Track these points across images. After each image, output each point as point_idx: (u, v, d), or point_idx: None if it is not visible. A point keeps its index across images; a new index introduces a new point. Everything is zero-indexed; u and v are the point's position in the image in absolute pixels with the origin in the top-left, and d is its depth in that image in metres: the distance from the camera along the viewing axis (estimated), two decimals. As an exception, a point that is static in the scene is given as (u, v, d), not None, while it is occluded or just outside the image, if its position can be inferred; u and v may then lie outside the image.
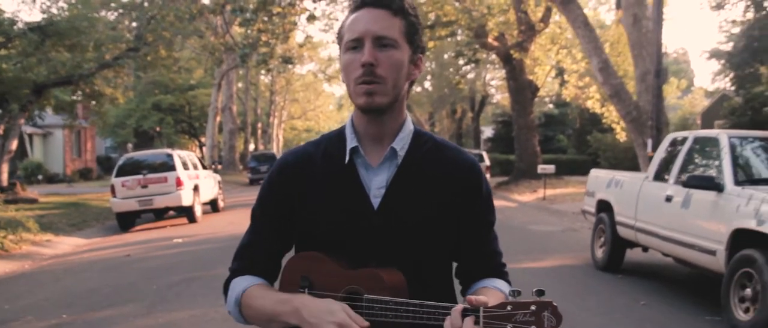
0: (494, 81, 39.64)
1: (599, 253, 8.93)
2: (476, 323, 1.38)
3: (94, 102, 22.96)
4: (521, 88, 26.93)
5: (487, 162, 26.23)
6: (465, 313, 1.39)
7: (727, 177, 6.31)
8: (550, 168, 20.48)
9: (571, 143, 36.26)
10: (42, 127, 32.29)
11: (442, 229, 1.63)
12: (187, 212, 15.52)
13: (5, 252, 11.00)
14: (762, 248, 5.52)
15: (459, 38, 29.34)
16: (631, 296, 7.25)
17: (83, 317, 6.63)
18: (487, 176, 25.29)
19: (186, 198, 15.10)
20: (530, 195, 22.14)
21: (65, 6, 21.44)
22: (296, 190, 1.64)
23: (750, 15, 21.94)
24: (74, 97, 23.02)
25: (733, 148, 6.61)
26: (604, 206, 9.00)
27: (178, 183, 15.00)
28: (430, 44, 27.71)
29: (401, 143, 1.62)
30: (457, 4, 24.72)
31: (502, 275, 1.74)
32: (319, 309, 1.47)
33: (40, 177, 31.12)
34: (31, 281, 9.02)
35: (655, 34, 13.59)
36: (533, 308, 1.35)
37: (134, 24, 24.08)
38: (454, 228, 1.65)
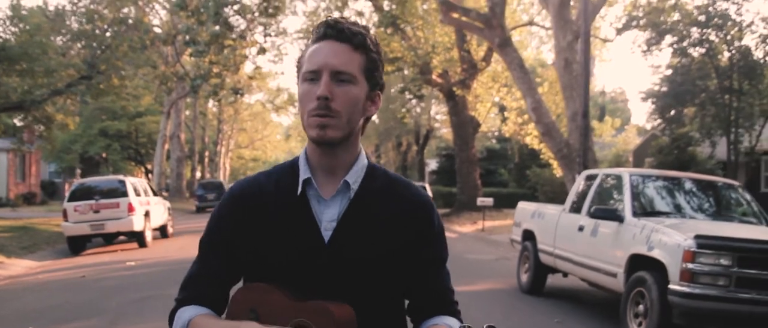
0: (439, 115, 40.82)
1: (524, 277, 9.86)
2: None
3: (43, 127, 23.23)
4: (463, 123, 28.11)
5: (430, 194, 27.18)
6: None
7: (627, 210, 7.31)
8: (489, 201, 21.49)
9: (512, 177, 37.55)
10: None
11: (393, 265, 1.62)
12: (138, 237, 15.99)
13: (-39, 272, 11.38)
14: (651, 270, 6.47)
15: (406, 73, 30.43)
16: (549, 315, 8.16)
17: (50, 328, 7.23)
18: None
19: (137, 223, 15.59)
20: (470, 226, 23.15)
21: (16, 31, 21.77)
22: (247, 220, 1.63)
23: (676, 59, 23.50)
24: (23, 123, 23.23)
25: (633, 184, 7.64)
26: (528, 235, 9.95)
27: (130, 209, 15.48)
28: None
29: (354, 177, 1.62)
30: (403, 42, 25.79)
31: (454, 313, 1.74)
32: None
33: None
34: (-8, 299, 9.50)
35: (582, 78, 14.73)
36: None
37: (83, 50, 24.46)
38: (405, 264, 1.65)
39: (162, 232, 18.66)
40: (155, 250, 15.55)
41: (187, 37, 21.57)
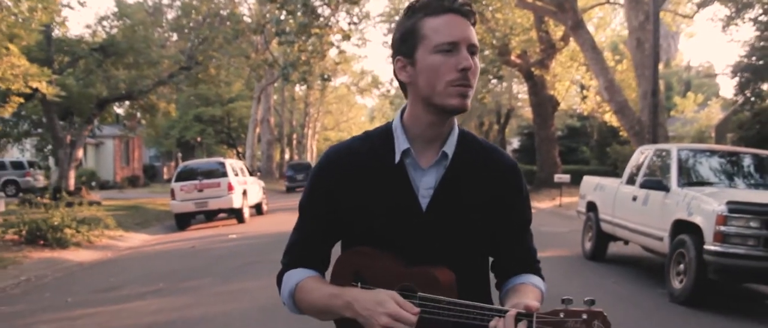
0: (520, 94, 41.29)
1: (588, 245, 10.73)
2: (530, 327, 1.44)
3: (148, 115, 25.22)
4: (542, 102, 28.69)
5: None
6: (518, 317, 1.45)
7: (673, 180, 8.12)
8: (566, 177, 22.16)
9: (593, 154, 37.74)
10: (95, 138, 34.72)
11: (486, 229, 1.68)
12: (236, 214, 17.57)
13: (90, 244, 13.07)
14: (691, 233, 7.31)
15: (486, 54, 31.15)
16: (607, 278, 9.04)
17: (176, 285, 8.64)
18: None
19: (236, 201, 17.14)
20: (549, 202, 23.87)
21: (121, 25, 23.63)
22: (343, 185, 1.67)
23: (755, 34, 23.44)
24: (131, 111, 25.26)
25: (680, 158, 8.43)
26: (591, 207, 10.80)
27: (230, 188, 17.05)
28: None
29: (451, 147, 1.67)
30: (481, 24, 26.53)
31: (537, 271, 1.81)
32: (370, 301, 1.51)
33: (93, 184, 33.48)
34: (122, 264, 11.12)
35: (651, 58, 15.29)
36: (585, 316, 1.41)
37: (180, 41, 26.27)
38: (496, 227, 1.71)
39: (257, 209, 20.23)
40: (252, 225, 17.07)
41: (278, 27, 22.94)
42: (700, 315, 6.91)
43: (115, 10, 24.44)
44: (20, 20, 10.75)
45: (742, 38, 50.75)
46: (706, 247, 6.93)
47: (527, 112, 38.58)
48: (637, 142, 16.99)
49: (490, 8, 26.33)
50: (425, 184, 1.65)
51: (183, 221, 17.24)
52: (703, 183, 8.21)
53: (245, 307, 7.18)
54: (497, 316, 1.48)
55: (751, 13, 23.42)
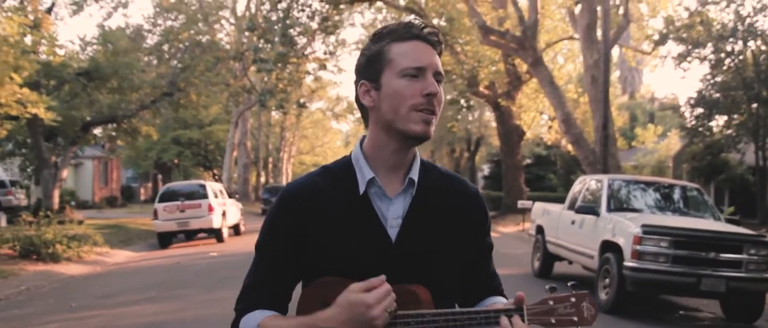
0: (490, 123, 42.80)
1: (536, 264, 11.96)
2: (523, 320, 1.50)
3: (130, 138, 26.18)
4: (509, 132, 30.10)
5: (478, 198, 29.32)
6: (508, 313, 1.50)
7: (603, 206, 9.39)
8: (529, 204, 23.28)
9: (560, 182, 39.21)
10: (74, 158, 35.48)
11: (455, 256, 1.67)
12: (216, 233, 18.59)
13: (79, 258, 14.03)
14: (614, 251, 8.55)
15: (456, 82, 32.36)
16: (544, 289, 10.23)
17: (166, 293, 9.71)
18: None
19: (216, 221, 18.18)
20: (513, 227, 25.20)
21: (103, 51, 24.54)
22: (306, 221, 1.61)
23: (706, 71, 25.05)
24: (114, 134, 26.22)
25: (610, 186, 9.71)
26: (539, 230, 12.05)
27: (210, 209, 18.09)
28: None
29: (416, 173, 1.64)
30: (451, 56, 27.88)
31: (502, 294, 1.80)
32: (344, 309, 1.46)
33: (72, 203, 34.20)
34: (113, 277, 12.14)
35: (602, 94, 16.68)
36: (573, 299, 1.51)
37: (160, 67, 27.27)
38: (463, 254, 1.69)
39: (235, 230, 21.25)
40: (231, 244, 18.10)
41: (257, 56, 24.05)
42: (621, 322, 8.13)
43: (97, 34, 25.44)
44: (24, 52, 11.79)
45: (695, 75, 52.85)
46: (625, 263, 8.18)
47: (496, 140, 40.06)
48: (591, 171, 18.32)
49: (460, 40, 27.74)
50: (393, 213, 1.61)
51: (165, 239, 18.20)
52: (629, 209, 9.48)
53: (230, 312, 8.25)
54: (486, 316, 1.50)
55: (704, 52, 25.07)
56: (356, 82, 1.65)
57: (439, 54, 1.63)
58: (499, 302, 1.73)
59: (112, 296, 9.70)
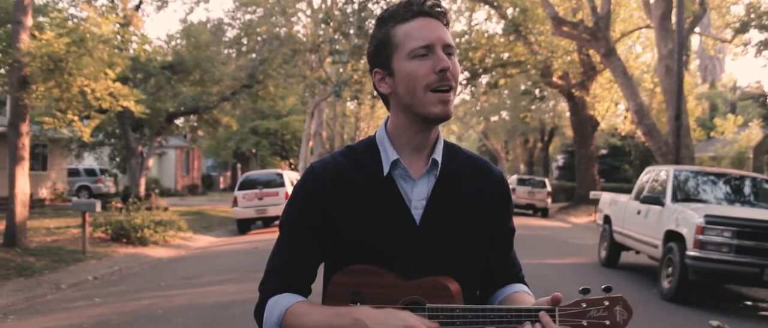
0: (564, 113, 42.48)
1: (603, 254, 12.13)
2: (554, 321, 1.46)
3: (211, 128, 27.27)
4: (582, 122, 29.93)
5: (549, 188, 29.28)
6: (533, 316, 1.47)
7: (668, 197, 9.52)
8: (600, 194, 23.35)
9: (635, 173, 38.66)
10: (158, 148, 37.07)
11: (479, 239, 1.66)
12: (292, 221, 19.27)
13: (165, 242, 14.91)
14: (678, 241, 8.70)
15: (532, 72, 32.35)
16: (612, 281, 10.41)
17: (246, 275, 10.34)
18: (549, 200, 28.54)
19: (292, 209, 18.85)
20: (585, 218, 25.13)
21: (186, 45, 25.63)
22: (332, 200, 1.60)
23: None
24: (196, 125, 27.36)
25: (676, 177, 9.82)
26: (607, 220, 12.20)
27: (287, 197, 18.75)
28: (501, 81, 31.15)
29: (439, 154, 1.63)
30: (525, 47, 27.91)
31: (522, 280, 1.78)
32: (384, 315, 1.44)
33: (157, 191, 35.77)
34: (196, 260, 12.92)
35: (675, 84, 16.55)
36: (606, 303, 1.47)
37: (240, 59, 28.27)
38: (487, 236, 1.68)
39: (310, 217, 21.92)
40: (306, 231, 18.74)
41: (333, 47, 24.67)
42: (683, 310, 8.31)
43: (180, 29, 26.60)
44: (118, 49, 12.60)
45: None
46: (688, 252, 8.33)
47: (570, 130, 39.77)
48: (663, 162, 18.20)
49: (534, 31, 27.72)
50: (417, 195, 1.60)
51: (244, 226, 19.04)
52: (695, 200, 9.59)
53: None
54: (517, 315, 1.48)
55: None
56: (371, 72, 1.65)
57: (446, 25, 1.59)
58: (521, 291, 1.72)
59: (196, 277, 10.42)
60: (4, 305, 8.30)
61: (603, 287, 1.49)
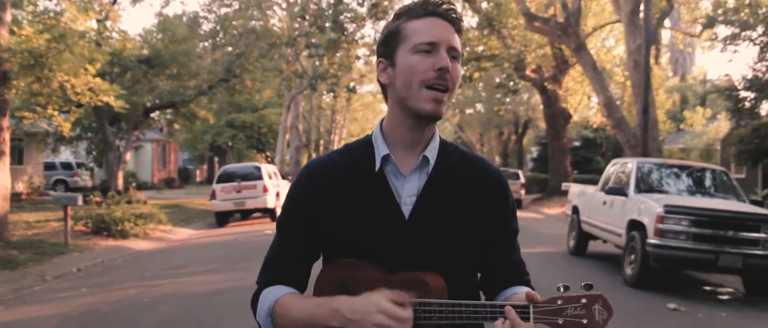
0: (538, 106, 43.11)
1: (571, 243, 12.60)
2: (527, 319, 1.44)
3: (188, 122, 27.44)
4: (555, 115, 30.52)
5: (523, 180, 29.86)
6: (501, 312, 1.45)
7: (631, 188, 9.99)
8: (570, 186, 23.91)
9: (607, 165, 39.41)
10: (135, 142, 37.09)
11: (472, 238, 1.64)
12: (270, 213, 19.64)
13: (146, 235, 15.17)
14: (639, 230, 9.17)
15: (506, 66, 32.79)
16: (580, 268, 10.91)
17: (228, 266, 10.68)
18: (522, 192, 29.08)
19: (270, 201, 19.19)
20: (558, 209, 25.69)
21: (163, 39, 25.77)
22: (324, 198, 1.64)
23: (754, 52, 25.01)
24: (173, 119, 27.50)
25: (639, 169, 10.30)
26: (575, 210, 12.67)
27: (265, 189, 19.11)
28: (476, 74, 31.59)
29: (432, 152, 1.64)
30: (498, 41, 28.35)
31: (528, 283, 1.75)
32: (360, 302, 1.47)
33: (133, 184, 35.82)
34: (177, 251, 13.21)
35: (642, 78, 17.08)
36: (584, 301, 1.43)
37: (216, 53, 28.44)
38: (483, 237, 1.67)
39: (288, 209, 22.25)
40: (284, 223, 19.07)
41: (309, 41, 24.90)
42: (641, 294, 8.78)
43: (156, 22, 26.71)
44: (97, 45, 12.82)
45: (744, 58, 52.27)
46: (649, 240, 8.79)
47: (544, 123, 40.44)
48: (632, 154, 18.75)
49: (508, 25, 28.17)
50: (407, 191, 1.62)
51: (222, 218, 19.32)
52: (656, 191, 10.07)
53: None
54: (492, 311, 1.48)
55: (754, 34, 25.04)
56: (377, 62, 1.67)
57: (459, 31, 1.62)
58: (519, 293, 1.66)
59: (179, 268, 10.72)
60: (-8, 296, 8.56)
61: (583, 284, 1.47)
